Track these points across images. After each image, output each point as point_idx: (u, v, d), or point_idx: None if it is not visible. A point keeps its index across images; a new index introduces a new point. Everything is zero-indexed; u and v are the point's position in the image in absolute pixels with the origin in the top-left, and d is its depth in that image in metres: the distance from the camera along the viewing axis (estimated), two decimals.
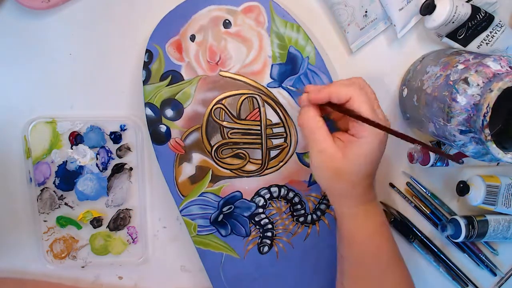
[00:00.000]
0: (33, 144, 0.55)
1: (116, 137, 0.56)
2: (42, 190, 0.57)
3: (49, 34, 0.54)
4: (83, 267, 0.60)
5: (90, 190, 0.57)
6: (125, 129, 0.56)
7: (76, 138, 0.55)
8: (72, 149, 0.56)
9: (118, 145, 0.57)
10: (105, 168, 0.57)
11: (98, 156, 0.56)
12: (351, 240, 0.49)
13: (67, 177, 0.56)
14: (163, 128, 0.54)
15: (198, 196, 0.55)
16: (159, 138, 0.54)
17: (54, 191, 0.57)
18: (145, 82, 0.53)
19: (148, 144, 0.56)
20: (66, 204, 0.57)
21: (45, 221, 0.58)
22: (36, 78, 0.55)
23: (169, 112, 0.53)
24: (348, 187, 0.46)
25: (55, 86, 0.55)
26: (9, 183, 0.57)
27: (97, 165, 0.56)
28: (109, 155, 0.56)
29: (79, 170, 0.56)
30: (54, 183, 0.56)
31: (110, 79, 0.56)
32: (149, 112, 0.53)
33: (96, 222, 0.58)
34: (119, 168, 0.57)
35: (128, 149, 0.57)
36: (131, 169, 0.57)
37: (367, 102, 0.44)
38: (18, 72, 0.55)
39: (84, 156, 0.56)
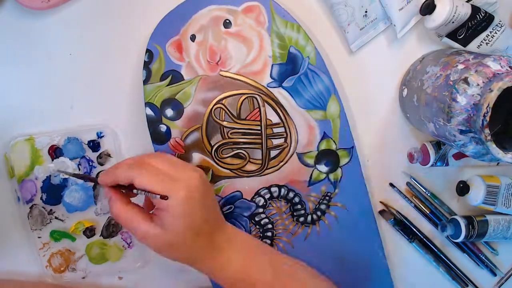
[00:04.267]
0: (15, 163, 0.55)
1: (94, 145, 0.56)
2: (31, 208, 0.57)
3: (49, 34, 0.54)
4: (83, 277, 0.60)
5: (78, 201, 0.57)
6: (102, 136, 0.56)
7: (55, 152, 0.55)
8: (53, 163, 0.56)
9: (98, 153, 0.56)
10: None
11: (79, 166, 0.56)
12: (227, 285, 0.49)
13: (53, 191, 0.56)
14: (163, 128, 0.54)
15: None
16: (159, 137, 0.54)
17: (43, 207, 0.57)
18: (145, 81, 0.53)
19: (128, 147, 0.56)
20: (56, 218, 0.57)
21: (39, 237, 0.58)
22: (36, 78, 0.55)
23: (169, 112, 0.53)
24: (188, 251, 0.47)
25: (55, 86, 0.55)
26: None
27: None
28: (91, 164, 0.56)
29: (64, 183, 0.56)
30: (41, 198, 0.56)
31: (110, 79, 0.56)
32: (149, 111, 0.53)
33: (89, 232, 0.58)
34: None
35: (108, 155, 0.57)
36: None
37: (150, 176, 0.45)
38: (18, 72, 0.55)
39: (66, 168, 0.56)
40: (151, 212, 0.49)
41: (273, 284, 0.49)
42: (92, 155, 0.56)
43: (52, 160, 0.56)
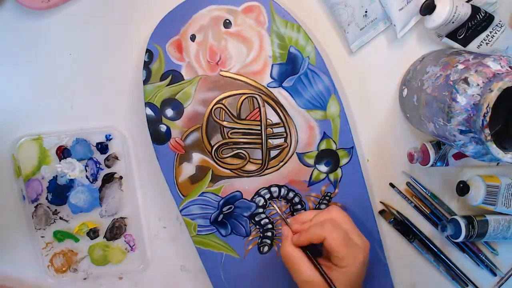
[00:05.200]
0: (21, 162, 0.56)
1: (102, 147, 0.56)
2: (36, 207, 0.57)
3: (49, 34, 0.54)
4: (85, 279, 0.60)
5: (83, 203, 0.57)
6: (111, 139, 0.56)
7: (63, 152, 0.56)
8: (60, 163, 0.56)
9: (106, 155, 0.57)
10: (95, 179, 0.57)
11: (87, 168, 0.56)
12: None
13: (59, 192, 0.57)
14: (163, 128, 0.54)
15: (198, 196, 0.55)
16: (159, 138, 0.54)
17: (48, 207, 0.57)
18: (145, 81, 0.53)
19: (136, 150, 0.56)
20: (61, 218, 0.57)
21: (42, 237, 0.58)
22: (35, 78, 0.55)
23: (169, 112, 0.53)
24: None
25: (55, 86, 0.55)
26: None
27: (87, 177, 0.57)
28: (98, 165, 0.57)
29: (70, 184, 0.57)
30: (47, 198, 0.57)
31: (110, 79, 0.56)
32: (149, 111, 0.53)
33: (93, 234, 0.58)
34: (109, 178, 0.57)
35: (116, 158, 0.57)
36: (121, 177, 0.57)
37: (339, 238, 0.48)
38: (17, 72, 0.55)
39: (73, 169, 0.56)
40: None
41: None
42: (100, 157, 0.57)
43: (60, 161, 0.56)
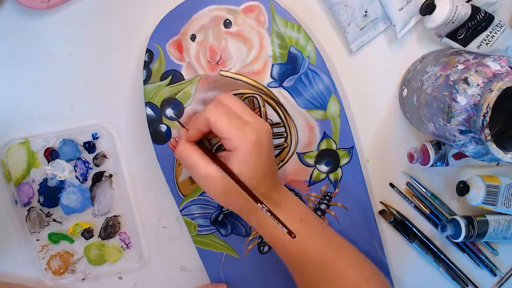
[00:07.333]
0: (11, 166, 0.55)
1: (90, 146, 0.56)
2: (28, 210, 0.57)
3: (49, 34, 0.54)
4: (83, 279, 0.60)
5: (75, 203, 0.57)
6: (98, 137, 0.56)
7: (51, 154, 0.55)
8: (49, 165, 0.56)
9: (94, 154, 0.57)
10: (85, 179, 0.57)
11: (76, 168, 0.56)
12: (276, 247, 0.48)
13: (50, 194, 0.56)
14: (163, 128, 0.54)
15: (198, 195, 0.55)
16: (159, 137, 0.54)
17: (40, 209, 0.57)
18: (145, 81, 0.53)
19: (123, 148, 0.56)
20: (54, 220, 0.57)
21: (37, 240, 0.58)
22: (35, 78, 0.55)
23: (169, 112, 0.53)
24: (245, 199, 0.45)
25: (55, 86, 0.55)
26: None
27: (77, 177, 0.57)
28: (87, 165, 0.56)
29: (61, 185, 0.56)
30: (38, 201, 0.57)
31: (110, 79, 0.55)
32: (149, 111, 0.53)
33: (87, 234, 0.58)
34: (99, 177, 0.57)
35: (104, 156, 0.57)
36: (111, 176, 0.57)
37: (222, 116, 0.45)
38: (17, 72, 0.55)
39: (63, 170, 0.56)
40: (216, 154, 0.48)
41: (322, 246, 0.48)
42: (88, 157, 0.56)
43: (48, 163, 0.56)
